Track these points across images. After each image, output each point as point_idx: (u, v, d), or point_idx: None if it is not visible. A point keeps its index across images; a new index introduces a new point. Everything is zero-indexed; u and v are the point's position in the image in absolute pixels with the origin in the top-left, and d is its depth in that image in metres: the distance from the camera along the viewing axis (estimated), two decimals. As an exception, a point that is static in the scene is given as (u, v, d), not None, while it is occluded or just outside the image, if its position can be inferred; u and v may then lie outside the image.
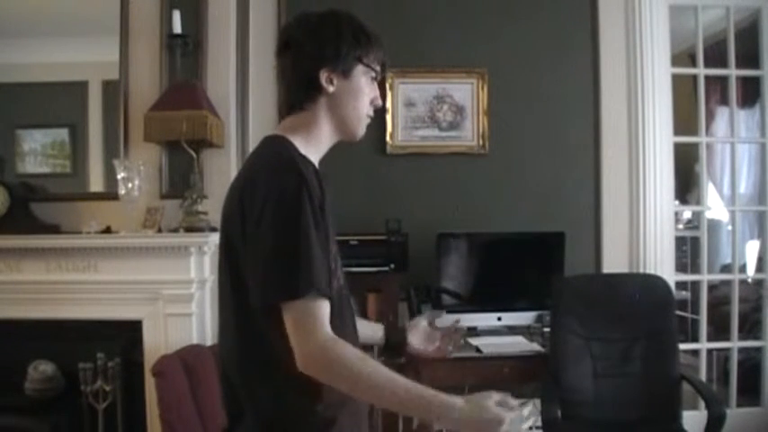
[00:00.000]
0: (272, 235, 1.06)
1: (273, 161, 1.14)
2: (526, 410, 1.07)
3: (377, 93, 1.28)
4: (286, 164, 1.12)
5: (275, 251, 1.06)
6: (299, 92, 1.22)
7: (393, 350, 1.49)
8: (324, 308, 1.08)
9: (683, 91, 3.61)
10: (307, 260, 1.06)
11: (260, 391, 1.15)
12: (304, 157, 1.17)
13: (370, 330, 1.46)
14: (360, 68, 1.23)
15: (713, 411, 2.39)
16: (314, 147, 1.23)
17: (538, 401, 2.26)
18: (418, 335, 1.48)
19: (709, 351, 3.40)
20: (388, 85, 3.15)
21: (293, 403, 1.13)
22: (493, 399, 1.06)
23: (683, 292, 3.96)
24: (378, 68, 1.26)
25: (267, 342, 1.12)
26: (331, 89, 1.21)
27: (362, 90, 1.24)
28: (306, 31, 1.22)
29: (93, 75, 2.99)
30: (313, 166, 1.19)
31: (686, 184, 4.23)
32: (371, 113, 1.28)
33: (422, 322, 1.49)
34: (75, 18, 2.96)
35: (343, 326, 1.19)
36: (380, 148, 3.17)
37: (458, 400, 1.05)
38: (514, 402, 1.08)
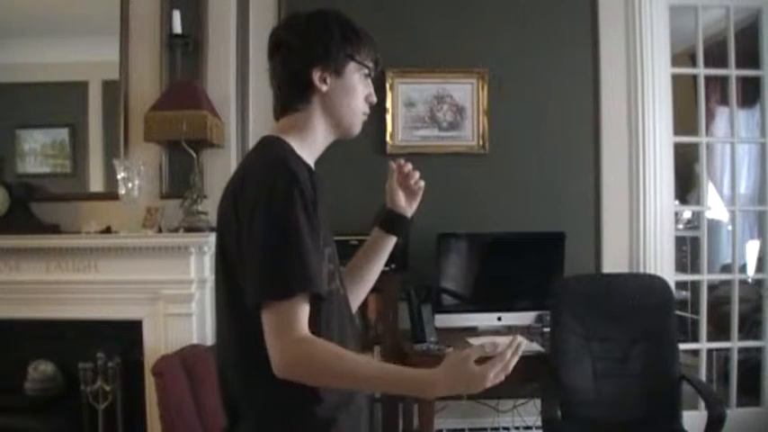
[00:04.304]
0: (261, 234, 1.05)
1: (265, 161, 1.14)
2: (516, 341, 1.09)
3: (371, 89, 1.27)
4: (277, 163, 1.11)
5: (263, 251, 1.05)
6: (292, 93, 1.22)
7: None
8: (300, 310, 1.05)
9: (683, 91, 3.61)
10: (291, 260, 1.04)
11: (258, 392, 1.14)
12: (298, 158, 1.16)
13: None
14: (352, 66, 1.22)
15: (713, 411, 2.39)
16: (309, 147, 1.22)
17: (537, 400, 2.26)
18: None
19: (709, 351, 3.40)
20: (388, 85, 3.15)
21: (292, 405, 1.12)
22: (471, 359, 1.04)
23: (683, 292, 3.96)
24: (370, 65, 1.25)
25: (263, 343, 1.10)
26: (324, 88, 1.20)
27: (356, 87, 1.23)
28: (294, 31, 1.22)
29: (93, 75, 2.99)
30: (308, 166, 1.18)
31: (686, 184, 4.23)
32: (367, 110, 1.27)
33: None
34: (75, 18, 2.96)
35: (340, 327, 1.18)
36: (380, 148, 3.17)
37: (436, 374, 1.04)
38: (499, 341, 1.06)
